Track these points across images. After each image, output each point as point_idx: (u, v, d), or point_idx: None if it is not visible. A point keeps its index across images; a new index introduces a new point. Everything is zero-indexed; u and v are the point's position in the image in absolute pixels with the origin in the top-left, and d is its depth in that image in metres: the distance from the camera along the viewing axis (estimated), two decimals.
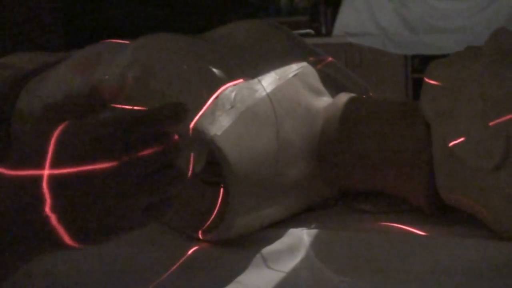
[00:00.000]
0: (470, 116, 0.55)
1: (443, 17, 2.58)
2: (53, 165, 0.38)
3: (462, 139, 0.55)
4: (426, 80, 0.60)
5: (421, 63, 2.61)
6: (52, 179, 0.38)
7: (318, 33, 2.85)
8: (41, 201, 0.37)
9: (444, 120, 0.57)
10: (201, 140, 0.58)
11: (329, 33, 2.82)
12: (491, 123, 0.53)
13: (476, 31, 2.43)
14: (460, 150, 0.55)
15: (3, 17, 1.68)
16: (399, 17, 2.65)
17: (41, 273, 0.58)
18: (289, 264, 0.55)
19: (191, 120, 0.58)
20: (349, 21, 2.72)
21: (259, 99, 0.61)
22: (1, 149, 0.80)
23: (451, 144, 0.56)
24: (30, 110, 0.78)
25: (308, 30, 2.82)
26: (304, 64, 0.68)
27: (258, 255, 0.56)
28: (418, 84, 0.59)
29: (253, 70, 0.64)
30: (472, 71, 0.57)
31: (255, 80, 0.62)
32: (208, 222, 0.59)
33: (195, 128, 0.58)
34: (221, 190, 0.60)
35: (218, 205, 0.58)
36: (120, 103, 0.55)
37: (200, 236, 0.60)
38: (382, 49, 2.63)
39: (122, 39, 0.76)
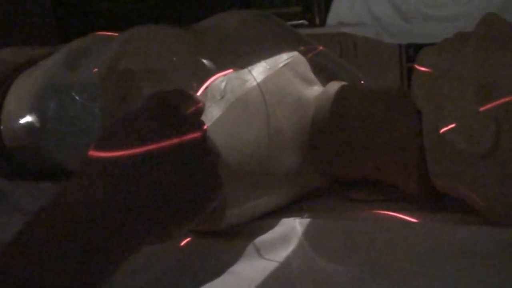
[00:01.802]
0: (460, 102, 0.55)
1: (436, 5, 2.58)
2: None
3: (453, 125, 0.55)
4: (417, 67, 0.60)
5: (415, 52, 2.59)
6: None
7: (312, 24, 2.84)
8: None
9: (435, 106, 0.57)
10: None
11: (322, 24, 2.81)
12: (481, 108, 0.53)
13: (470, 19, 2.42)
14: (451, 136, 0.55)
15: None
16: (392, 6, 2.65)
17: None
18: (282, 253, 0.55)
19: None
20: (342, 11, 2.71)
21: (250, 89, 0.60)
22: None
23: (442, 130, 0.55)
24: (19, 105, 0.77)
25: (301, 21, 2.81)
26: (295, 53, 0.68)
27: (250, 245, 0.56)
28: (413, 73, 0.60)
29: (243, 60, 0.64)
30: (462, 57, 0.56)
31: (245, 70, 0.62)
32: None
33: None
34: None
35: None
36: None
37: None
38: (376, 38, 2.62)
39: (112, 31, 0.75)
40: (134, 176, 0.39)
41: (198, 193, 0.43)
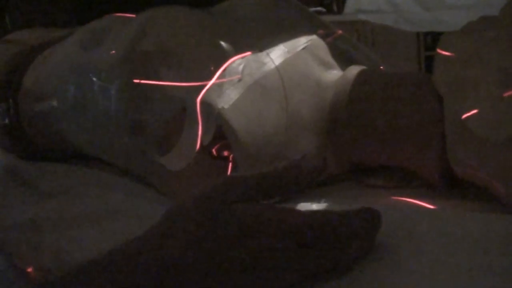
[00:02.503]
0: (484, 87, 0.53)
1: None
2: None
3: (475, 111, 0.54)
4: (439, 51, 0.59)
5: (434, 41, 2.57)
6: None
7: (329, 11, 2.82)
8: None
9: (457, 92, 0.56)
10: (209, 113, 0.57)
11: (340, 11, 2.78)
12: (505, 94, 0.52)
13: (489, 7, 2.38)
14: (473, 123, 0.54)
15: None
16: None
17: (50, 249, 0.58)
18: None
19: (199, 94, 0.58)
20: None
21: (268, 72, 0.60)
22: (10, 128, 0.80)
23: (464, 116, 0.54)
24: (37, 87, 0.78)
25: (319, 8, 2.79)
26: (314, 37, 0.67)
27: None
28: (430, 62, 0.58)
29: (261, 43, 0.63)
30: (486, 41, 0.55)
31: (264, 53, 0.61)
32: None
33: (202, 101, 0.57)
34: (229, 164, 0.59)
35: None
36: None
37: None
38: (394, 26, 2.59)
39: (129, 13, 0.75)
40: None
41: None
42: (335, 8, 2.83)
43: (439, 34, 0.63)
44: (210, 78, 0.58)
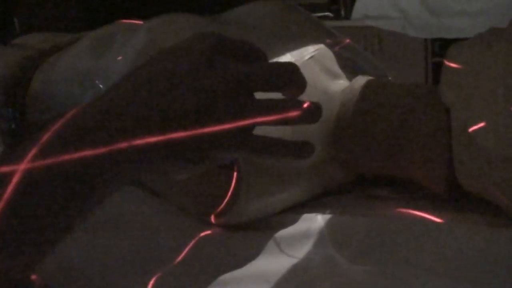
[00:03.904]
0: (491, 100, 0.53)
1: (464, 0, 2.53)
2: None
3: (482, 124, 0.53)
4: (446, 63, 0.59)
5: (441, 47, 2.56)
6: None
7: (337, 16, 2.81)
8: None
9: (464, 104, 0.56)
10: None
11: (348, 16, 2.78)
12: None
13: (498, 14, 2.38)
14: (480, 136, 0.53)
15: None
16: (419, 0, 2.61)
17: (53, 256, 0.58)
18: (303, 249, 0.54)
19: None
20: (368, 4, 2.68)
21: None
22: (17, 132, 0.80)
23: (471, 129, 0.54)
24: (44, 92, 0.78)
25: (326, 13, 2.78)
26: (321, 46, 0.67)
27: (271, 240, 0.56)
28: (438, 69, 0.58)
29: (268, 52, 0.63)
30: (494, 54, 0.55)
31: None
32: (221, 206, 0.58)
33: None
34: (234, 173, 0.59)
35: (231, 189, 0.58)
36: None
37: (212, 220, 0.59)
38: (402, 32, 2.59)
39: (136, 20, 0.75)
40: None
41: None
42: (342, 13, 2.82)
43: (447, 40, 0.63)
44: None
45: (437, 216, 0.57)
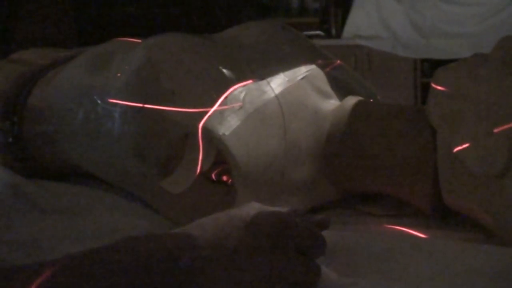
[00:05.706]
0: (475, 122, 0.56)
1: (453, 21, 2.58)
2: None
3: (466, 145, 0.56)
4: (433, 85, 0.61)
5: (430, 68, 2.60)
6: None
7: (327, 35, 2.85)
8: None
9: (449, 125, 0.58)
10: (210, 139, 0.59)
11: (338, 35, 2.82)
12: (495, 130, 0.54)
13: (486, 36, 2.42)
14: (465, 156, 0.56)
15: (16, 13, 1.70)
16: (409, 21, 2.65)
17: None
18: None
19: (201, 120, 0.59)
20: (359, 23, 2.72)
21: (268, 100, 0.62)
22: (13, 146, 0.81)
23: (455, 149, 0.56)
24: (42, 106, 0.79)
25: (317, 32, 2.82)
26: (313, 66, 0.69)
27: None
28: (427, 89, 0.60)
29: (262, 72, 0.65)
30: (478, 78, 0.57)
31: (264, 81, 0.63)
32: None
33: (204, 127, 0.59)
34: (229, 189, 0.61)
35: (225, 204, 0.59)
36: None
37: None
38: (391, 52, 2.62)
39: (134, 38, 0.77)
40: None
41: None
42: (333, 32, 2.86)
43: (436, 61, 0.66)
44: (212, 105, 0.59)
45: (423, 232, 0.59)
